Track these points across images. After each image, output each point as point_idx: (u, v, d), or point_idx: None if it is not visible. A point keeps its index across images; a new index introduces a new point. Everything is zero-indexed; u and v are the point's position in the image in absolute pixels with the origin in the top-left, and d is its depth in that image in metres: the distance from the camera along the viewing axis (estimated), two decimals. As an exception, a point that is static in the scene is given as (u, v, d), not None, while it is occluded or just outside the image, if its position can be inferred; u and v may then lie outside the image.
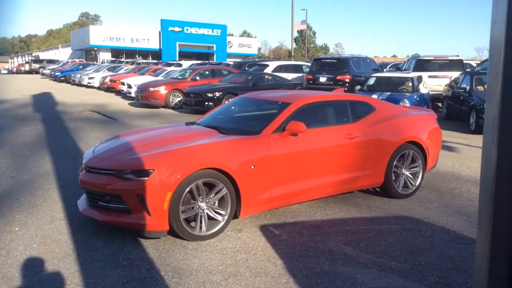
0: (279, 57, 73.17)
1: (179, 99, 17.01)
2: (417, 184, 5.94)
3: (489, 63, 1.17)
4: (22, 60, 74.57)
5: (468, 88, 12.20)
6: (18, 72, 54.57)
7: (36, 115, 14.34)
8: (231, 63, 26.60)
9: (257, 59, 36.43)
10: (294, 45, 50.67)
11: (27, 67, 52.67)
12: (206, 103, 14.79)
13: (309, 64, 20.99)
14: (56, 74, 34.91)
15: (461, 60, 16.46)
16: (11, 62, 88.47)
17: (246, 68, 21.79)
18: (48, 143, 9.44)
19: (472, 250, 4.25)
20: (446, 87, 14.64)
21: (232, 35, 68.17)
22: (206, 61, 36.65)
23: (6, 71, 64.79)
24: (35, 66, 50.18)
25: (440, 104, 15.52)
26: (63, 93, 22.63)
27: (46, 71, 40.62)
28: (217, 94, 14.98)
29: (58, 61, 49.29)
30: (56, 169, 7.17)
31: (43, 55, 65.65)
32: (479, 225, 1.14)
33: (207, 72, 19.12)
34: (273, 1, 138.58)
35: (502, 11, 1.04)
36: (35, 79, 37.82)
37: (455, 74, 14.92)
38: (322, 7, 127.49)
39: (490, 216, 1.09)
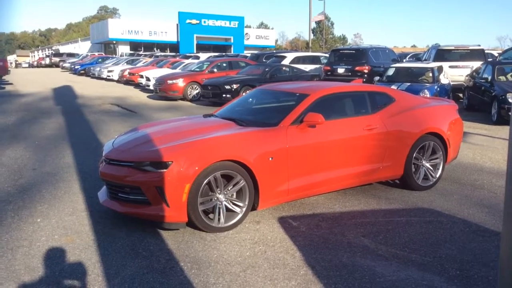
0: (296, 48, 72.79)
1: (197, 91, 17.06)
2: (437, 176, 5.86)
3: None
4: (43, 54, 75.65)
5: (489, 78, 11.95)
6: (39, 65, 55.46)
7: (57, 108, 14.55)
8: (249, 55, 26.53)
9: (274, 51, 36.26)
10: (312, 36, 50.28)
11: (47, 61, 53.48)
12: (224, 95, 14.81)
13: (327, 55, 20.82)
14: (76, 67, 35.36)
15: (482, 50, 16.12)
16: (31, 56, 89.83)
17: (264, 60, 21.73)
18: (69, 136, 9.58)
19: (494, 242, 4.18)
20: (467, 77, 14.37)
21: (249, 27, 68.04)
22: (224, 53, 36.65)
23: (27, 65, 65.87)
24: (55, 59, 50.87)
25: (461, 95, 15.25)
26: (83, 86, 22.91)
27: (66, 65, 41.18)
28: (235, 86, 14.97)
29: (77, 54, 49.87)
30: (77, 161, 7.27)
31: (63, 49, 66.47)
32: (504, 221, 1.11)
33: (224, 64, 19.12)
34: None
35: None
36: (55, 72, 38.37)
37: (476, 64, 14.63)
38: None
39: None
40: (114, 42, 54.31)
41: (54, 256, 3.90)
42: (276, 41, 77.61)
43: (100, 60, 35.24)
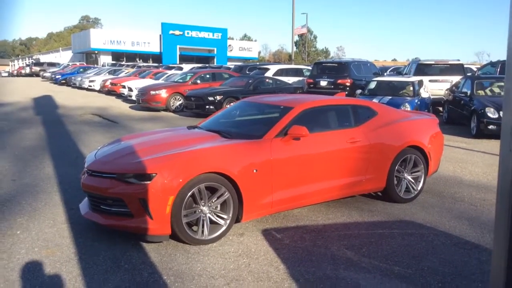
0: (279, 60, 73.30)
1: (180, 102, 17.02)
2: (419, 188, 5.94)
3: (506, 73, 1.17)
4: (23, 63, 74.73)
5: (469, 92, 12.21)
6: (19, 75, 54.63)
7: (37, 118, 14.34)
8: (232, 66, 26.62)
9: (257, 63, 36.47)
10: (295, 49, 50.73)
11: (27, 70, 52.77)
12: (207, 107, 14.80)
13: (309, 68, 21.01)
14: (57, 77, 34.93)
15: (461, 65, 16.49)
16: (11, 65, 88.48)
17: (247, 72, 21.82)
18: (49, 146, 9.44)
19: (475, 255, 4.24)
20: (446, 92, 14.66)
21: (232, 38, 68.32)
22: (207, 65, 36.70)
23: (6, 74, 64.85)
24: (36, 69, 50.24)
25: (441, 109, 15.53)
26: (64, 96, 22.65)
27: (47, 74, 40.68)
28: (218, 97, 14.99)
29: (58, 64, 49.37)
30: (58, 172, 7.16)
31: (44, 58, 65.74)
32: (495, 236, 1.13)
33: (208, 76, 19.14)
34: (273, 5, 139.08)
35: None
36: (35, 82, 37.85)
37: (455, 79, 14.94)
38: (323, 11, 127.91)
39: (507, 226, 1.08)
40: (96, 52, 53.99)
41: (34, 269, 3.82)
42: (259, 53, 78.12)
43: (81, 70, 34.94)
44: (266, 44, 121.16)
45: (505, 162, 1.09)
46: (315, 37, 78.08)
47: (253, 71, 21.53)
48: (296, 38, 56.57)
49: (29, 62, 65.16)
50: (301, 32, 45.81)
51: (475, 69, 20.22)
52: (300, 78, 19.85)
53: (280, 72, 20.02)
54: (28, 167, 7.49)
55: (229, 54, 58.70)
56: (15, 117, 14.37)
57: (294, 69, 21.73)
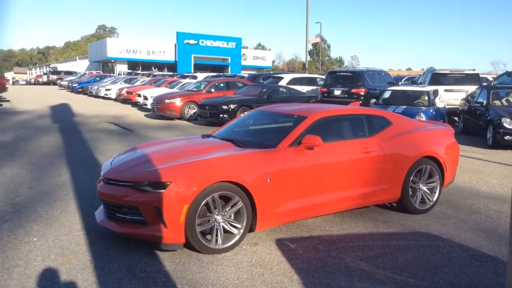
0: (293, 69, 73.38)
1: (194, 111, 17.13)
2: (434, 199, 5.88)
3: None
4: (40, 72, 75.92)
5: (485, 102, 12.09)
6: (36, 83, 55.59)
7: (54, 126, 14.55)
8: (246, 75, 26.74)
9: (271, 72, 36.57)
10: (309, 58, 50.80)
11: (45, 78, 53.67)
12: (221, 115, 14.87)
13: (323, 77, 21.01)
14: (74, 85, 35.48)
15: (477, 74, 16.33)
16: (29, 73, 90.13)
17: (261, 81, 21.89)
18: (66, 154, 9.56)
19: (491, 267, 4.18)
20: (462, 101, 14.52)
21: (246, 47, 68.65)
22: (221, 74, 36.91)
23: (24, 82, 65.97)
24: (53, 77, 51.09)
25: (456, 119, 15.38)
26: (81, 105, 22.95)
27: (64, 83, 41.33)
28: (232, 106, 15.06)
29: (75, 72, 50.12)
30: (74, 180, 7.25)
31: (61, 67, 66.83)
32: (510, 248, 1.13)
33: (222, 85, 19.25)
34: (287, 14, 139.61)
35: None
36: (53, 90, 38.45)
37: (471, 88, 14.79)
38: (337, 20, 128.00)
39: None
40: (112, 61, 54.68)
41: (50, 276, 3.86)
42: (273, 62, 78.36)
43: (98, 78, 35.41)
44: (280, 53, 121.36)
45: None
46: (329, 46, 78.02)
47: (267, 80, 21.60)
48: (310, 47, 56.69)
49: (46, 71, 66.23)
50: (315, 41, 45.87)
51: (491, 79, 20.01)
52: (314, 87, 19.86)
53: (294, 81, 20.06)
54: (45, 175, 7.59)
55: (243, 63, 59.01)
56: (32, 125, 14.60)
57: (308, 78, 21.77)
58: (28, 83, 63.66)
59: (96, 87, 29.84)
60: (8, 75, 77.83)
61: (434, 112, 12.45)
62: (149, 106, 19.04)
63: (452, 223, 5.44)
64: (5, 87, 26.19)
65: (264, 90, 16.53)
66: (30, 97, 28.73)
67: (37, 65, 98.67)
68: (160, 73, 40.78)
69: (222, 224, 4.42)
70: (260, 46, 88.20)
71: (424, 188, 5.82)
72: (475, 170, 8.49)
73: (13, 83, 61.64)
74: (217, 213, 4.39)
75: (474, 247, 4.70)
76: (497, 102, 12.18)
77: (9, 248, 4.46)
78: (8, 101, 24.42)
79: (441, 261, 4.32)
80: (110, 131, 13.49)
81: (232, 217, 4.50)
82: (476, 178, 7.84)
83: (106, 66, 59.25)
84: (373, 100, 14.26)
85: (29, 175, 7.59)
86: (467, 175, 8.01)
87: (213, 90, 18.34)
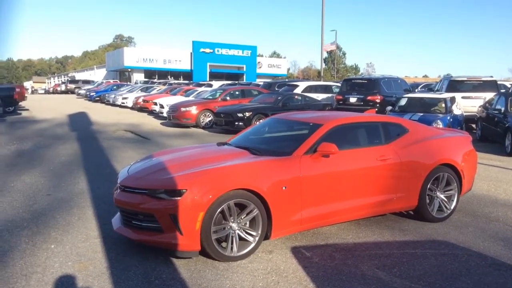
0: (308, 77, 73.34)
1: (210, 119, 17.21)
2: (452, 207, 5.80)
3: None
4: (59, 81, 77.15)
5: (503, 109, 11.92)
6: (55, 92, 56.41)
7: (72, 134, 14.75)
8: (261, 83, 26.80)
9: (286, 79, 36.59)
10: (324, 66, 50.75)
11: (63, 87, 54.43)
12: (236, 123, 14.92)
13: (338, 84, 20.96)
14: (91, 94, 35.93)
15: (495, 81, 16.13)
16: (47, 82, 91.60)
17: (276, 89, 21.92)
18: (83, 162, 9.68)
19: (511, 276, 4.10)
20: (480, 108, 14.34)
21: (261, 55, 68.80)
22: (236, 82, 37.05)
23: (43, 91, 67.04)
24: (71, 86, 51.82)
25: (474, 126, 15.19)
26: (98, 113, 23.24)
27: (82, 91, 41.89)
28: (247, 114, 15.10)
29: (93, 81, 50.79)
30: (91, 187, 7.33)
31: (79, 76, 67.77)
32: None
33: (237, 93, 19.33)
34: (302, 22, 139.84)
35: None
36: (71, 99, 39.02)
37: (489, 95, 14.61)
38: (353, 28, 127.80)
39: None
40: (129, 69, 55.30)
41: (68, 283, 3.90)
42: (288, 69, 78.37)
43: (115, 87, 35.84)
44: (295, 61, 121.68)
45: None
46: (344, 54, 77.77)
47: (282, 87, 21.62)
48: (325, 55, 56.63)
49: (64, 80, 67.25)
50: (330, 48, 45.78)
51: (509, 86, 19.73)
52: (329, 95, 19.82)
53: (309, 89, 20.04)
54: (62, 182, 7.69)
55: (258, 71, 59.13)
56: (51, 133, 14.82)
57: (323, 85, 21.72)
58: (47, 92, 64.64)
59: (113, 96, 30.19)
60: (27, 84, 79.26)
61: (451, 120, 12.32)
62: (165, 114, 19.20)
63: (470, 232, 5.36)
64: (24, 96, 26.64)
65: (279, 98, 16.56)
66: (48, 105, 29.19)
67: (56, 74, 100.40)
68: (176, 81, 41.07)
69: (237, 231, 4.42)
70: (275, 54, 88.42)
71: (442, 196, 5.75)
72: (494, 178, 8.37)
73: (32, 92, 62.70)
74: (232, 220, 4.39)
75: (493, 256, 4.62)
76: (516, 109, 11.99)
77: (27, 254, 4.52)
78: (27, 110, 24.86)
79: (459, 270, 4.25)
80: (127, 139, 13.62)
81: (248, 225, 4.50)
82: (495, 186, 7.72)
83: (123, 75, 59.94)
84: (389, 108, 14.17)
85: (47, 182, 7.69)
86: (485, 183, 7.89)
87: (228, 98, 18.42)
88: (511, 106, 11.97)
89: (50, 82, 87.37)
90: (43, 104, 31.25)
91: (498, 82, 17.12)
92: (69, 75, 78.53)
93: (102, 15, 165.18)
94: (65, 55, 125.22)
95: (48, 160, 9.79)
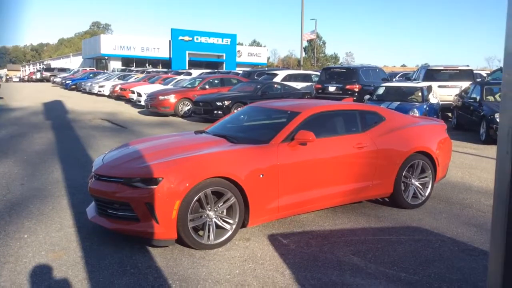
0: (288, 66, 73.36)
1: (188, 107, 17.08)
2: (426, 194, 5.90)
3: (503, 75, 1.16)
4: (34, 68, 75.45)
5: (478, 98, 12.13)
6: (30, 80, 55.24)
7: (47, 122, 14.47)
8: (241, 72, 26.68)
9: (266, 68, 36.52)
10: (304, 54, 50.79)
11: (38, 75, 53.30)
12: (215, 112, 14.84)
13: (318, 73, 21.01)
14: (67, 82, 35.25)
15: (471, 70, 16.38)
16: (22, 70, 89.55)
17: (255, 77, 21.85)
18: (58, 151, 9.51)
19: (483, 262, 4.20)
20: (456, 97, 14.57)
21: (241, 44, 68.57)
22: (216, 70, 36.82)
23: (17, 79, 65.57)
24: (46, 74, 50.75)
25: (450, 114, 15.43)
26: (74, 101, 22.84)
27: (57, 79, 41.07)
28: (226, 103, 15.03)
29: (69, 69, 49.87)
30: (66, 176, 7.21)
31: (54, 64, 66.37)
32: (492, 240, 1.13)
33: (216, 81, 19.20)
34: (282, 11, 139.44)
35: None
36: (46, 87, 38.21)
37: (465, 84, 14.85)
38: (333, 17, 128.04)
39: (503, 230, 1.07)
40: (106, 57, 54.43)
41: (41, 273, 3.84)
42: (268, 58, 78.27)
43: (91, 75, 35.24)
44: (275, 50, 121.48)
45: (502, 164, 1.08)
46: (324, 43, 78.06)
47: (261, 76, 21.56)
48: (305, 43, 56.67)
49: (40, 68, 65.76)
50: (310, 37, 45.77)
51: (484, 75, 20.08)
52: (309, 84, 19.84)
53: (289, 78, 20.03)
54: (37, 171, 7.55)
55: (238, 59, 58.90)
56: (25, 122, 14.51)
57: (303, 74, 21.74)
58: (22, 80, 63.27)
59: (89, 84, 29.67)
60: (1, 72, 77.36)
61: (427, 108, 12.48)
62: (143, 103, 18.98)
63: (444, 218, 5.46)
64: (-2, 84, 25.99)
65: (258, 86, 16.51)
66: (23, 94, 28.55)
67: (31, 62, 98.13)
68: (154, 69, 40.63)
69: (214, 219, 4.41)
70: (255, 43, 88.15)
71: (417, 183, 5.83)
72: (468, 165, 8.53)
73: (6, 80, 61.27)
74: (209, 208, 4.37)
75: (465, 241, 4.71)
76: (491, 98, 12.22)
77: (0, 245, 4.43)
78: (1, 98, 24.26)
79: (432, 255, 4.33)
80: (104, 128, 13.43)
81: (225, 213, 4.49)
82: (469, 173, 7.87)
83: (99, 62, 58.98)
84: (367, 96, 14.28)
85: (21, 172, 7.54)
86: (459, 170, 8.04)
87: (207, 86, 18.29)
88: (486, 95, 12.19)
89: (25, 70, 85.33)
90: (17, 92, 30.55)
91: (474, 72, 17.40)
92: (45, 63, 76.82)
93: (78, 1, 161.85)
94: (41, 43, 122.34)
95: (23, 149, 9.59)
